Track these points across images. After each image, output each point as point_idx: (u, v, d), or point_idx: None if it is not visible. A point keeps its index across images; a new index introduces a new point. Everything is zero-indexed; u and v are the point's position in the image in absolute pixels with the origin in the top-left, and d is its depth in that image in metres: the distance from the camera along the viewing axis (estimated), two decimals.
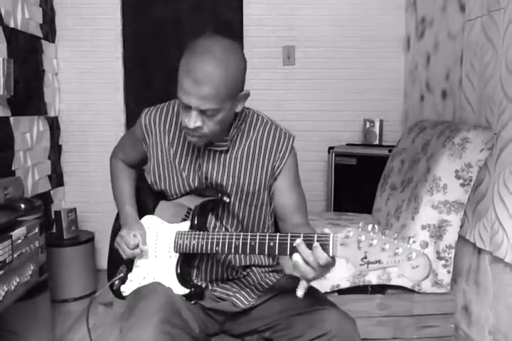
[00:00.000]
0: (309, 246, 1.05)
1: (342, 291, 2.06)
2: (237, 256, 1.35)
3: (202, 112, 1.17)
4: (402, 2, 3.12)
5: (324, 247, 1.04)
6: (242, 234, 1.16)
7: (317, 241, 1.05)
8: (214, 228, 1.34)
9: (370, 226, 1.00)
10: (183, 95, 1.16)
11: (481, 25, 2.09)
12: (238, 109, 1.25)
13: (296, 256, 1.06)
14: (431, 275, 2.03)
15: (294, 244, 1.06)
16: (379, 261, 0.98)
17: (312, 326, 1.17)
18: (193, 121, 1.18)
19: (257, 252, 1.14)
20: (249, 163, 1.32)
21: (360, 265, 0.99)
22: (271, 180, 1.33)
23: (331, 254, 1.03)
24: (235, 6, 3.15)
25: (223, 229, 1.35)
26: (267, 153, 1.32)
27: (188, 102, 1.16)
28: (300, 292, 1.08)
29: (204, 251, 1.23)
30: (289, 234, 1.10)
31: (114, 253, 1.42)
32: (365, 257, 0.99)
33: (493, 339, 1.98)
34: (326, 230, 1.06)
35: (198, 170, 1.33)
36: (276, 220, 1.42)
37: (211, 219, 1.34)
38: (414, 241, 0.97)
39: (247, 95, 1.24)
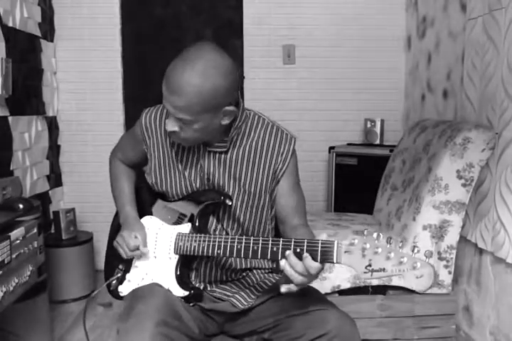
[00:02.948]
0: (312, 252, 1.06)
1: (343, 292, 2.05)
2: (236, 259, 1.34)
3: (179, 119, 1.17)
4: (403, 1, 3.11)
5: (328, 254, 1.05)
6: (244, 237, 1.16)
7: (321, 247, 1.05)
8: (215, 230, 1.34)
9: (375, 234, 1.01)
10: (163, 100, 1.18)
11: (483, 24, 2.08)
12: (224, 122, 1.22)
13: (283, 264, 1.08)
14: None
15: (285, 255, 1.08)
16: (383, 270, 0.98)
17: (312, 326, 1.17)
18: (170, 125, 1.20)
19: (259, 257, 1.14)
20: (251, 164, 1.31)
21: (365, 273, 1.00)
22: (273, 183, 1.33)
23: (334, 261, 1.04)
24: (235, 4, 3.14)
25: (224, 232, 1.34)
26: (269, 155, 1.31)
27: (166, 106, 1.18)
28: (284, 288, 1.10)
29: (205, 254, 1.22)
30: (293, 240, 1.10)
31: (111, 253, 1.41)
32: (370, 265, 0.99)
33: (494, 340, 1.97)
34: (323, 236, 1.09)
35: (200, 171, 1.32)
36: (276, 223, 1.41)
37: (212, 222, 1.33)
38: (418, 251, 0.98)
39: (234, 112, 1.21)
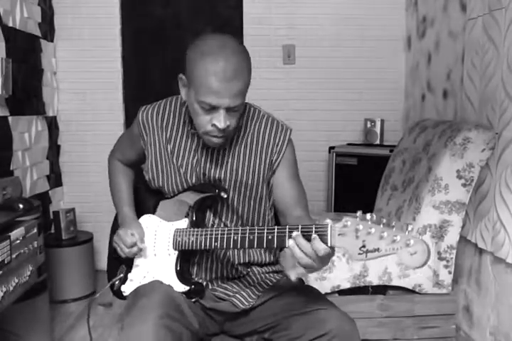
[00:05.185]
0: (307, 237, 1.04)
1: (342, 292, 2.05)
2: (235, 253, 1.34)
3: (228, 110, 1.17)
4: (403, 1, 3.11)
5: (322, 238, 1.03)
6: (240, 228, 1.16)
7: (315, 232, 1.04)
8: (213, 225, 1.34)
9: (368, 215, 0.99)
10: (212, 97, 1.15)
11: (483, 24, 2.08)
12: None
13: (292, 244, 1.05)
14: (432, 275, 2.03)
15: (292, 236, 1.06)
16: (377, 250, 0.97)
17: (312, 326, 1.17)
18: (223, 121, 1.18)
19: (255, 246, 1.13)
20: (247, 156, 1.32)
21: (359, 254, 0.98)
22: (269, 174, 1.33)
23: (329, 244, 1.03)
24: (235, 4, 3.14)
25: (222, 225, 1.34)
26: (265, 146, 1.32)
27: (219, 103, 1.15)
28: (293, 275, 1.08)
29: (203, 247, 1.22)
30: (287, 227, 1.09)
31: (113, 254, 1.41)
32: (364, 246, 0.98)
33: (494, 340, 1.97)
34: (327, 220, 1.05)
35: (196, 166, 1.33)
36: (276, 215, 1.41)
37: (209, 216, 1.34)
38: (412, 228, 0.96)
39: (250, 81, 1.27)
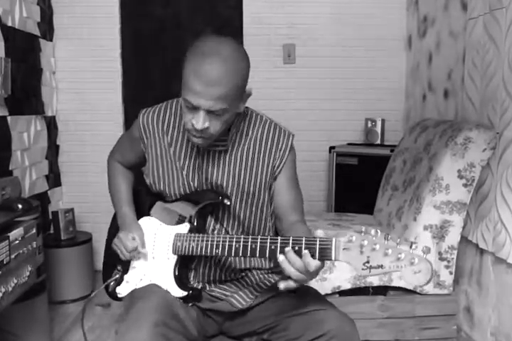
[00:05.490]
0: (312, 249, 1.05)
1: (343, 293, 2.04)
2: (236, 258, 1.34)
3: (210, 112, 1.16)
4: (404, 1, 3.11)
5: (327, 251, 1.04)
6: (242, 236, 1.16)
7: (320, 245, 1.05)
8: (213, 230, 1.33)
9: (373, 231, 1.01)
10: (192, 96, 1.15)
11: (483, 23, 2.08)
12: (241, 108, 1.25)
13: (282, 260, 1.07)
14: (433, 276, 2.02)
15: (285, 251, 1.07)
16: (381, 266, 0.98)
17: (310, 327, 1.16)
18: (201, 122, 1.17)
19: (257, 255, 1.13)
20: (250, 162, 1.31)
21: (363, 269, 0.99)
22: (271, 180, 1.33)
23: (333, 258, 1.03)
24: (235, 4, 3.13)
25: (223, 231, 1.34)
26: (267, 152, 1.32)
27: (198, 104, 1.15)
28: (282, 285, 1.09)
29: (204, 254, 1.22)
30: (291, 238, 1.09)
31: (109, 254, 1.40)
32: (368, 262, 0.99)
33: None
34: (319, 233, 1.07)
35: (198, 171, 1.32)
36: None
37: (210, 222, 1.33)
38: (416, 247, 0.98)
39: (250, 94, 1.24)
